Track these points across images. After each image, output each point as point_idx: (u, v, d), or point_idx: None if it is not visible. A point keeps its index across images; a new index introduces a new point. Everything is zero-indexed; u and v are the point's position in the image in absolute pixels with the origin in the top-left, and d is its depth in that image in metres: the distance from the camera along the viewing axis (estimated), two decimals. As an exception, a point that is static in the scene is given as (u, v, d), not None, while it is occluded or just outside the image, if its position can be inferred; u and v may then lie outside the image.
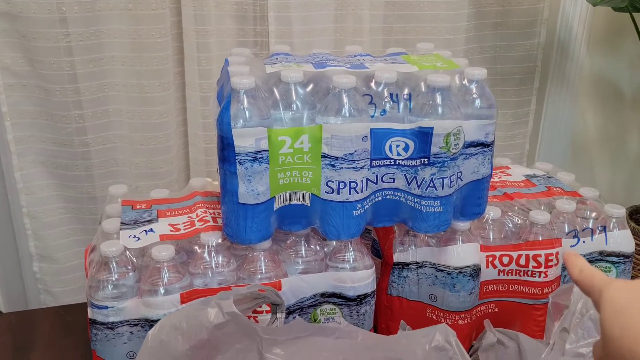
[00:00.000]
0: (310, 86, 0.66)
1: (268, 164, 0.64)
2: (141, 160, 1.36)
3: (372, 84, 0.67)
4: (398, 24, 1.44)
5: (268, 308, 0.65)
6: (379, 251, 0.80)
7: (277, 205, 0.67)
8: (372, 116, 0.66)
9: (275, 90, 0.65)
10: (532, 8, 1.50)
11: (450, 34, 1.46)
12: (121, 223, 0.73)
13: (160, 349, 0.46)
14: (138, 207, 0.77)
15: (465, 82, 0.69)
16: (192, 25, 1.29)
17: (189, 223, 0.73)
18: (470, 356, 0.67)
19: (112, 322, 0.67)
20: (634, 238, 1.44)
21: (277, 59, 0.73)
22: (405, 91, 0.67)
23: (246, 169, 0.63)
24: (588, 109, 1.63)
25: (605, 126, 1.65)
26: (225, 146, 0.63)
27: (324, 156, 0.65)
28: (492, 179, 0.87)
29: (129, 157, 1.36)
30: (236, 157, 0.63)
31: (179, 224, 0.73)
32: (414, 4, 1.42)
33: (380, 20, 1.42)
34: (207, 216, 0.74)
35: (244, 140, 0.62)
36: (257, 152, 0.63)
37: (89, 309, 0.68)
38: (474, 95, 0.69)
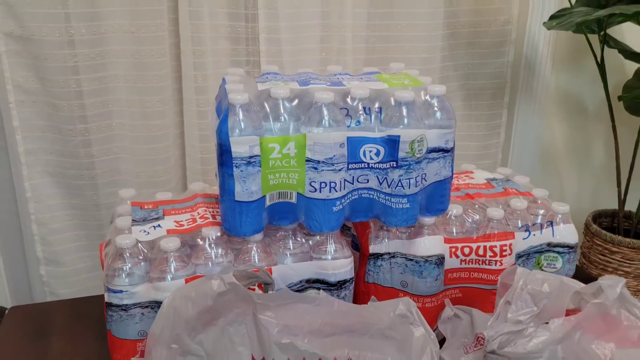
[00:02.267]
0: (296, 101, 0.77)
1: (260, 167, 0.75)
2: (142, 170, 1.47)
3: (349, 99, 0.79)
4: (379, 44, 1.57)
5: (260, 291, 0.76)
6: (358, 245, 0.91)
7: (268, 203, 0.78)
8: (348, 126, 0.77)
9: (265, 104, 0.76)
10: (501, 30, 1.64)
11: (427, 53, 1.59)
12: (132, 220, 0.84)
13: (173, 314, 0.57)
14: (146, 207, 0.88)
15: (427, 97, 0.81)
16: (189, 46, 1.41)
17: (191, 220, 0.84)
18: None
19: (126, 305, 0.77)
20: (596, 240, 1.57)
21: (267, 77, 0.84)
22: (377, 105, 0.79)
23: (241, 171, 0.75)
24: (555, 122, 1.76)
25: (571, 137, 1.78)
26: (224, 152, 0.75)
27: (308, 160, 0.76)
28: (457, 182, 0.99)
29: (131, 167, 1.47)
30: (233, 161, 0.74)
31: (182, 221, 0.83)
32: (393, 26, 1.55)
33: (363, 41, 1.55)
34: (207, 214, 0.85)
35: (240, 147, 0.74)
36: (250, 157, 0.75)
37: (105, 294, 0.78)
38: (435, 108, 0.80)
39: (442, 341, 0.75)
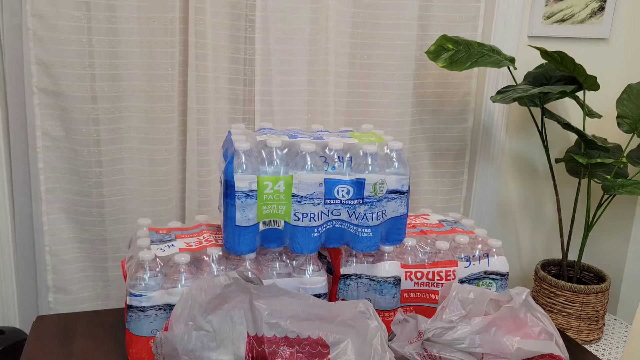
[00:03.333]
0: (286, 150, 1.00)
1: (256, 199, 0.97)
2: (146, 209, 1.68)
3: (327, 150, 1.01)
4: (357, 109, 1.83)
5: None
6: (331, 269, 1.12)
7: (261, 228, 1.00)
8: (326, 170, 1.00)
9: (262, 151, 0.99)
10: (462, 100, 1.91)
11: (399, 117, 1.84)
12: (150, 241, 1.04)
13: (190, 299, 0.76)
14: (160, 232, 1.09)
15: (388, 150, 1.04)
16: (194, 105, 1.64)
17: (198, 242, 1.04)
18: (390, 340, 0.98)
19: (144, 307, 0.96)
20: (544, 284, 1.79)
21: (263, 131, 1.07)
22: (348, 155, 1.02)
23: (242, 202, 0.96)
24: (510, 180, 2.01)
25: (524, 194, 2.03)
26: (229, 187, 0.96)
27: (294, 195, 0.98)
28: (414, 221, 1.21)
29: (136, 207, 1.67)
30: (236, 194, 0.96)
31: (191, 243, 1.04)
32: (370, 94, 1.81)
33: (343, 105, 1.81)
34: (210, 238, 1.06)
35: (241, 183, 0.96)
36: (249, 191, 0.96)
37: (127, 298, 0.97)
38: (394, 159, 1.03)
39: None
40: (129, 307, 0.97)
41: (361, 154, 1.01)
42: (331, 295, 1.08)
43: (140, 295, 0.96)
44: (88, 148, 1.59)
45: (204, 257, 1.01)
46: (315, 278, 1.02)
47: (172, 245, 1.03)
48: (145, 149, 1.64)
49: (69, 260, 1.66)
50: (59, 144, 1.58)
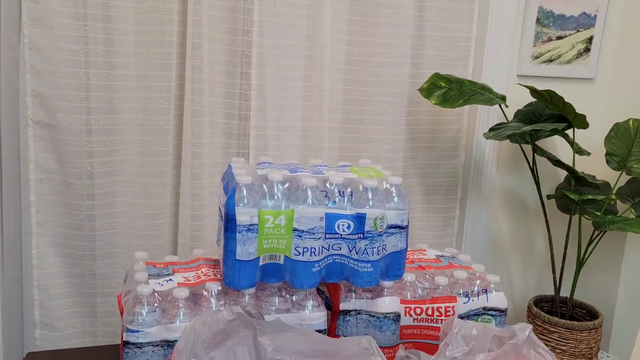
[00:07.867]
0: (287, 184, 1.00)
1: (257, 233, 0.97)
2: (137, 243, 1.66)
3: (327, 184, 1.02)
4: (351, 144, 1.84)
5: (252, 334, 0.94)
6: (330, 305, 1.10)
7: (261, 263, 0.99)
8: (326, 205, 1.00)
9: (263, 185, 0.99)
10: (454, 136, 1.93)
11: (392, 153, 1.86)
12: (148, 275, 1.02)
13: (193, 334, 0.75)
14: (158, 266, 1.07)
15: (388, 185, 1.05)
16: (189, 138, 1.65)
17: (196, 276, 1.03)
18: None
19: (141, 343, 0.94)
20: (537, 321, 1.78)
21: (264, 165, 1.08)
22: (349, 189, 1.02)
23: (243, 235, 0.96)
24: (501, 216, 2.03)
25: (516, 230, 2.04)
26: (230, 220, 0.96)
27: (294, 230, 0.98)
28: (412, 257, 1.21)
29: (127, 241, 1.65)
30: (237, 228, 0.95)
31: (189, 277, 1.03)
32: (363, 130, 1.83)
33: (337, 141, 1.82)
34: (209, 272, 1.04)
35: (243, 217, 0.95)
36: (250, 225, 0.96)
37: (124, 334, 0.95)
38: (394, 194, 1.04)
39: (396, 378, 0.94)
40: (125, 343, 0.95)
41: (361, 189, 1.02)
42: (330, 331, 1.07)
43: (138, 331, 0.94)
44: (81, 181, 1.58)
45: (203, 291, 1.00)
46: (315, 314, 1.01)
47: (170, 279, 1.01)
48: (138, 182, 1.63)
49: (57, 295, 1.62)
50: (51, 176, 1.57)
